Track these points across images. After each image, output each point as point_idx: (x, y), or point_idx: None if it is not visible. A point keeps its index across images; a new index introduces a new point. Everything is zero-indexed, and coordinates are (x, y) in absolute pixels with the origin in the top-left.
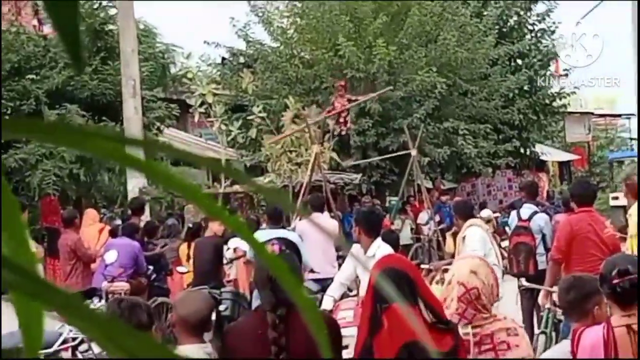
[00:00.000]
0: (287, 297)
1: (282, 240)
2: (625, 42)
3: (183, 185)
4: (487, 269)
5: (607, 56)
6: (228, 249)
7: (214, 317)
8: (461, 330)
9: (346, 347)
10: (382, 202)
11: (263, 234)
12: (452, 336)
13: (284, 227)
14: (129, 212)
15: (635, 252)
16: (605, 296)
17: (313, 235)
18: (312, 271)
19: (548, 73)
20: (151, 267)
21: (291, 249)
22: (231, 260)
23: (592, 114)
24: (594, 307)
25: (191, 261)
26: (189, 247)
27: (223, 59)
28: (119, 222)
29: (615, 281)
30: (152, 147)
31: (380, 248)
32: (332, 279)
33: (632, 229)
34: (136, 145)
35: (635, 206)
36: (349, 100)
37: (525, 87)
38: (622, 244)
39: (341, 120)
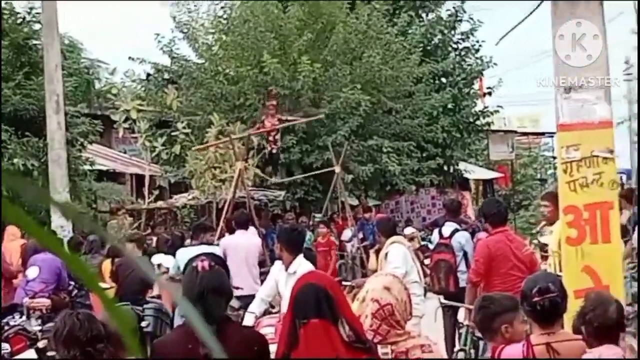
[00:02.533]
0: (217, 312)
1: (211, 256)
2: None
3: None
4: (400, 286)
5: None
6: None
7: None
8: (380, 351)
9: None
10: (308, 219)
11: (188, 251)
12: (369, 356)
13: (207, 244)
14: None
15: (558, 270)
16: (526, 314)
17: (237, 251)
18: (236, 288)
19: (472, 91)
20: (72, 283)
21: (220, 265)
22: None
23: (516, 132)
24: (501, 326)
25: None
26: (112, 263)
27: (148, 75)
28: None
29: (535, 299)
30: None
31: (302, 265)
32: (253, 296)
33: (553, 245)
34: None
35: (557, 224)
36: (280, 120)
37: (449, 105)
38: (543, 263)
39: (271, 139)
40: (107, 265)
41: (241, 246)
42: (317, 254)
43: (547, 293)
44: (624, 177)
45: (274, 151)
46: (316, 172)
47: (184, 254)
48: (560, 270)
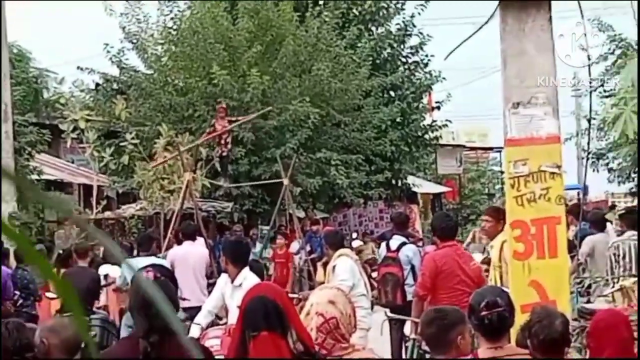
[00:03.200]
0: (161, 324)
1: (158, 268)
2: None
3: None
4: (344, 299)
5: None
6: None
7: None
8: None
9: None
10: (256, 230)
11: (135, 262)
12: None
13: (154, 255)
14: None
15: (499, 283)
16: (473, 328)
17: (184, 262)
18: (182, 299)
19: (421, 106)
20: (18, 293)
21: (167, 277)
22: (102, 287)
23: (464, 146)
24: (457, 337)
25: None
26: (58, 272)
27: (96, 85)
28: None
29: (483, 313)
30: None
31: (247, 278)
32: (200, 307)
33: (494, 261)
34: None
35: (498, 238)
36: (230, 122)
37: (398, 119)
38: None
39: (222, 142)
40: None
41: (189, 257)
42: (275, 265)
43: (495, 307)
44: (580, 193)
45: (225, 154)
46: (264, 182)
47: (133, 264)
48: (502, 284)
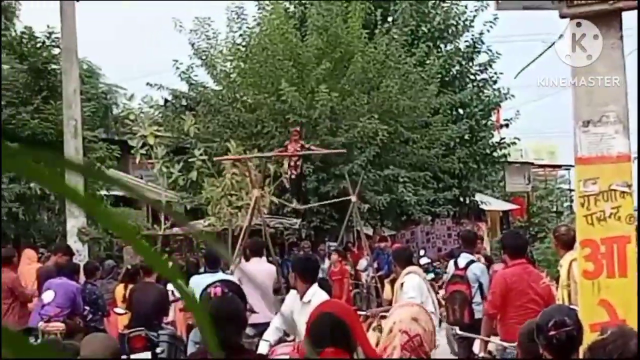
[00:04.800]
0: (228, 339)
1: (226, 283)
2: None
3: (122, 225)
4: (427, 316)
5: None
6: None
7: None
8: None
9: None
10: (324, 247)
11: (202, 278)
12: None
13: (222, 271)
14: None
15: (567, 303)
16: (541, 347)
17: (252, 279)
18: (252, 311)
19: (489, 123)
20: (87, 308)
21: (235, 292)
22: (170, 303)
23: (532, 164)
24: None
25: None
26: (125, 288)
27: (165, 101)
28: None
29: (551, 333)
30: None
31: (316, 294)
32: (268, 323)
33: (563, 280)
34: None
35: (566, 257)
36: (302, 147)
37: (466, 137)
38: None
39: (292, 164)
40: (120, 290)
41: (256, 273)
42: (334, 283)
43: (563, 326)
44: None
45: (294, 176)
46: (333, 200)
47: (198, 281)
48: (570, 303)
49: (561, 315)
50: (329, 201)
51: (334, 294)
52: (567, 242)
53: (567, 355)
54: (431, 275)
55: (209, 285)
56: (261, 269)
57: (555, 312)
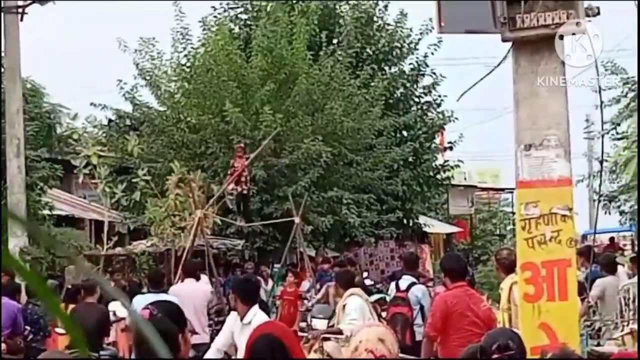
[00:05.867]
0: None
1: (161, 304)
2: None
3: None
4: (392, 338)
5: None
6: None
7: None
8: None
9: None
10: (268, 268)
11: (144, 298)
12: None
13: (164, 292)
14: None
15: (507, 326)
16: None
17: (186, 300)
18: (193, 332)
19: (433, 146)
20: (28, 328)
21: (172, 313)
22: (111, 324)
23: (476, 187)
24: None
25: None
26: (66, 308)
27: (109, 120)
28: None
29: (495, 356)
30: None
31: (257, 315)
32: (205, 344)
33: (503, 303)
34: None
35: (506, 280)
36: (247, 159)
37: (410, 159)
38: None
39: (243, 179)
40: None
41: (189, 294)
42: (283, 303)
43: (507, 350)
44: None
45: (245, 192)
46: (276, 221)
47: (140, 301)
48: (510, 327)
49: (505, 339)
50: (272, 221)
51: (284, 314)
52: (508, 266)
53: None
54: (378, 296)
55: (145, 308)
56: (196, 289)
57: (499, 336)
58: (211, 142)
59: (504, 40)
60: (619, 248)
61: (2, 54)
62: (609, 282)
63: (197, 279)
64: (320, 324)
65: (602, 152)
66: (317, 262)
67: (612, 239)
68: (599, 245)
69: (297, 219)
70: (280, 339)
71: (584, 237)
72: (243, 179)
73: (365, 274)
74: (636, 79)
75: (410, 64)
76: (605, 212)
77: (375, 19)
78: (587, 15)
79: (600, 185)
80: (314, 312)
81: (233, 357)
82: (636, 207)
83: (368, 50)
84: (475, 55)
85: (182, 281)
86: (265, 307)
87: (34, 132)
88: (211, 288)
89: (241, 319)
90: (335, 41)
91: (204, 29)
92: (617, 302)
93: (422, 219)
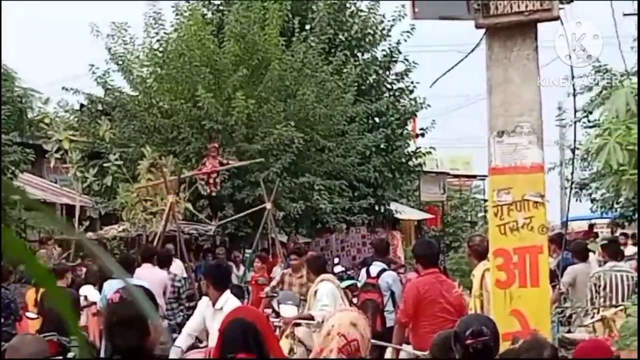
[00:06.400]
0: (125, 344)
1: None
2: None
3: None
4: (364, 322)
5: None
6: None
7: None
8: None
9: None
10: (240, 253)
11: (114, 283)
12: None
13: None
14: None
15: (479, 312)
16: (458, 355)
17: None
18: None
19: (405, 132)
20: None
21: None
22: (82, 308)
23: (447, 174)
24: None
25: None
26: (37, 292)
27: (81, 105)
28: None
29: (468, 341)
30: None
31: (229, 301)
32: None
33: (475, 290)
34: None
35: (479, 267)
36: (220, 163)
37: (382, 145)
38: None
39: (211, 181)
40: (31, 295)
41: (147, 280)
42: (253, 289)
43: (481, 336)
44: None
45: (214, 194)
46: (248, 211)
47: (111, 286)
48: (482, 313)
49: (479, 325)
50: (244, 213)
51: (253, 299)
52: (480, 253)
53: None
54: (349, 283)
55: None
56: (152, 274)
57: (473, 321)
58: (183, 127)
59: (478, 26)
60: (595, 235)
61: None
62: (580, 269)
63: (155, 264)
64: (289, 311)
65: (575, 140)
66: (288, 248)
67: (591, 226)
68: (570, 232)
69: (268, 205)
70: (254, 323)
71: (564, 224)
72: (212, 180)
73: (336, 260)
74: (608, 67)
75: (382, 50)
76: (577, 200)
77: (348, 5)
78: (561, 3)
79: (572, 173)
80: (280, 299)
81: (204, 343)
82: (607, 194)
83: (341, 36)
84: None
85: (139, 266)
86: (240, 292)
87: (6, 116)
88: (176, 274)
89: (213, 305)
90: (308, 27)
91: (176, 14)
92: (587, 290)
93: (393, 206)
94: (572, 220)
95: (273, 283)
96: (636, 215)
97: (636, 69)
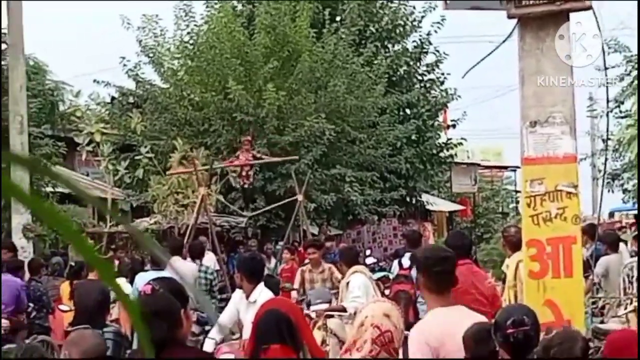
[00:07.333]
0: (157, 336)
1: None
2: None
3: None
4: (398, 314)
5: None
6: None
7: None
8: None
9: None
10: (271, 246)
11: (146, 276)
12: None
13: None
14: None
15: (513, 302)
16: (498, 345)
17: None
18: (195, 310)
19: (436, 123)
20: (31, 305)
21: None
22: (114, 301)
23: (479, 165)
24: None
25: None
26: (71, 285)
27: (112, 98)
28: None
29: (509, 331)
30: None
31: (262, 293)
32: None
33: (509, 280)
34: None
35: (513, 257)
36: (254, 157)
37: (413, 137)
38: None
39: (244, 174)
40: (65, 287)
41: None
42: (282, 280)
43: (522, 325)
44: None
45: (246, 186)
46: (279, 203)
47: (143, 278)
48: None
49: (520, 314)
50: (275, 205)
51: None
52: (515, 243)
53: (524, 354)
54: (381, 274)
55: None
56: (182, 267)
57: (514, 311)
58: (214, 119)
59: (510, 16)
60: (622, 226)
61: (5, 31)
62: (613, 259)
63: (185, 257)
64: (321, 309)
65: (607, 130)
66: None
67: (611, 214)
68: (602, 223)
69: (300, 197)
70: (288, 315)
71: (611, 214)
72: (245, 173)
73: (368, 252)
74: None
75: (413, 41)
76: (609, 191)
77: None
78: None
79: (605, 164)
80: (310, 300)
81: (236, 335)
82: None
83: (371, 27)
84: (479, 33)
85: (194, 258)
86: (273, 283)
87: (37, 109)
88: (208, 266)
89: (247, 297)
90: (338, 19)
91: (207, 7)
92: (620, 280)
93: (425, 197)
94: (617, 211)
95: (295, 285)
96: None
97: None
